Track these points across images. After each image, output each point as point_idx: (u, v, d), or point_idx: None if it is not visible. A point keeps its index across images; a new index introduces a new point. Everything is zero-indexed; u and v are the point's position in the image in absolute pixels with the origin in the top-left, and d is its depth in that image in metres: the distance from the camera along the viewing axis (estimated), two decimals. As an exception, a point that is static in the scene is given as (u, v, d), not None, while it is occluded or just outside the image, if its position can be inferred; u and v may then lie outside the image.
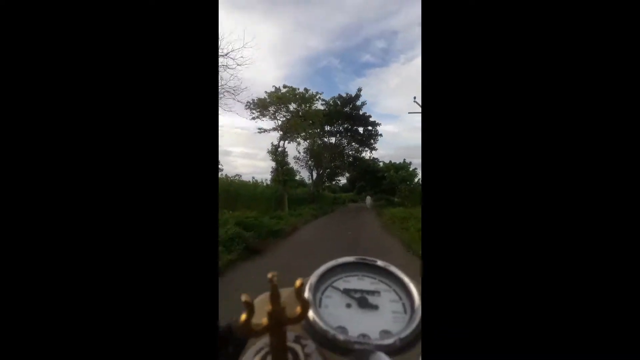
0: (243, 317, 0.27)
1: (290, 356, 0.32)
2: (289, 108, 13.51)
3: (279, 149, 14.12)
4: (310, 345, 0.34)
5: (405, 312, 0.37)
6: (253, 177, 18.48)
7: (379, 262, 0.44)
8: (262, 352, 0.33)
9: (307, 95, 13.45)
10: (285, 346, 0.31)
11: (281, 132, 13.88)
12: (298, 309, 0.30)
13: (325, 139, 19.16)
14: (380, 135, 19.75)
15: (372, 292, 0.40)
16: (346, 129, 19.29)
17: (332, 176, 20.89)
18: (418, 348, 0.32)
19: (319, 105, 14.61)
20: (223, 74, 7.90)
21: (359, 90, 17.90)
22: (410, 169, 19.02)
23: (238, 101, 11.90)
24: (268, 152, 14.61)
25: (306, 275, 0.38)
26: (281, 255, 4.50)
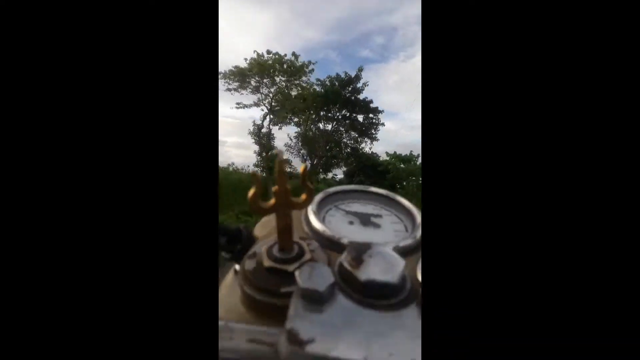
0: (251, 191, 0.29)
1: (296, 247, 0.34)
2: (275, 80, 11.18)
3: (263, 130, 11.79)
4: (314, 244, 0.36)
5: (406, 230, 0.38)
6: (248, 166, 16.14)
7: (382, 191, 0.44)
8: (271, 243, 0.35)
9: (297, 64, 11.07)
10: (291, 229, 0.33)
11: (266, 109, 11.61)
12: (303, 195, 0.31)
13: (321, 125, 16.91)
14: (382, 124, 17.48)
15: (375, 215, 0.40)
16: (344, 116, 16.99)
17: (328, 167, 18.61)
18: (417, 255, 0.34)
19: (312, 79, 12.20)
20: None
21: (360, 70, 15.46)
22: (418, 163, 16.68)
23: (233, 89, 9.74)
24: (249, 133, 12.29)
25: None
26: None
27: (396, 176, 15.06)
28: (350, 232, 0.37)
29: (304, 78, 11.69)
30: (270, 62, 10.76)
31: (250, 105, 11.80)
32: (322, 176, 18.93)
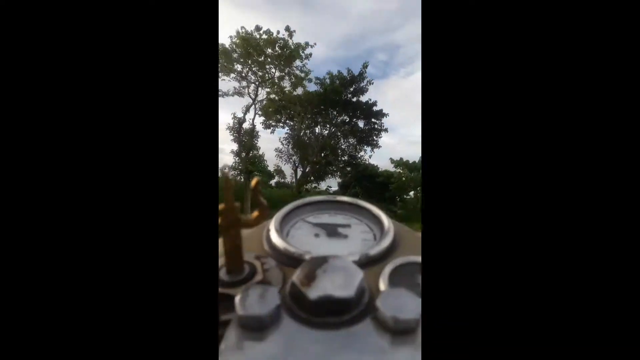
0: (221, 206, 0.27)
1: (247, 268, 0.32)
2: (265, 66, 9.11)
3: (245, 125, 9.65)
4: (270, 262, 0.34)
5: (375, 239, 0.37)
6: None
7: (351, 200, 0.42)
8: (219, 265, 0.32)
9: (290, 44, 8.99)
10: (240, 249, 0.31)
11: (250, 99, 9.51)
12: (255, 213, 0.29)
13: (317, 129, 14.93)
14: (386, 130, 15.57)
15: (343, 225, 0.39)
16: (343, 121, 15.06)
17: (321, 176, 16.52)
18: (383, 264, 0.33)
19: (308, 65, 10.10)
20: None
21: (365, 66, 13.60)
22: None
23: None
24: (227, 128, 10.09)
25: None
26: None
27: (400, 186, 12.90)
28: (313, 246, 0.35)
29: (298, 63, 9.57)
30: (260, 42, 8.73)
31: (231, 94, 9.64)
32: (313, 185, 16.82)
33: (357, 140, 15.90)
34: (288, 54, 8.82)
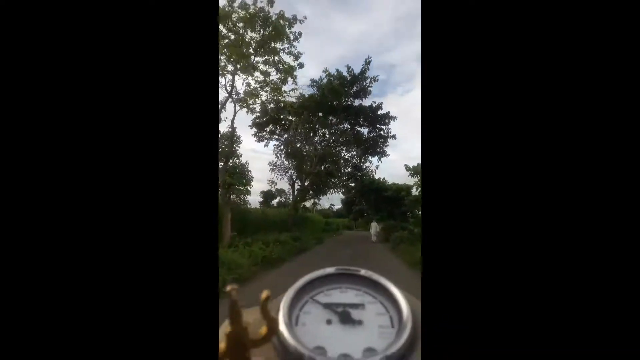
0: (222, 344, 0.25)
1: None
2: (243, 49, 7.26)
3: (219, 124, 7.69)
4: None
5: (392, 325, 0.34)
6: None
7: (363, 272, 0.40)
8: None
9: (273, 19, 7.15)
10: None
11: (225, 92, 7.62)
12: (264, 329, 0.28)
13: (317, 138, 13.01)
14: (394, 136, 13.56)
15: (356, 305, 0.37)
16: (342, 131, 13.17)
17: (321, 190, 14.38)
18: None
19: (299, 48, 8.23)
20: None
21: (367, 62, 11.85)
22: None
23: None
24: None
25: None
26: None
27: (418, 199, 10.65)
28: (326, 339, 0.31)
29: (284, 45, 7.72)
30: (239, 14, 6.97)
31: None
32: (313, 201, 14.67)
33: (362, 150, 13.98)
34: (271, 32, 6.99)
